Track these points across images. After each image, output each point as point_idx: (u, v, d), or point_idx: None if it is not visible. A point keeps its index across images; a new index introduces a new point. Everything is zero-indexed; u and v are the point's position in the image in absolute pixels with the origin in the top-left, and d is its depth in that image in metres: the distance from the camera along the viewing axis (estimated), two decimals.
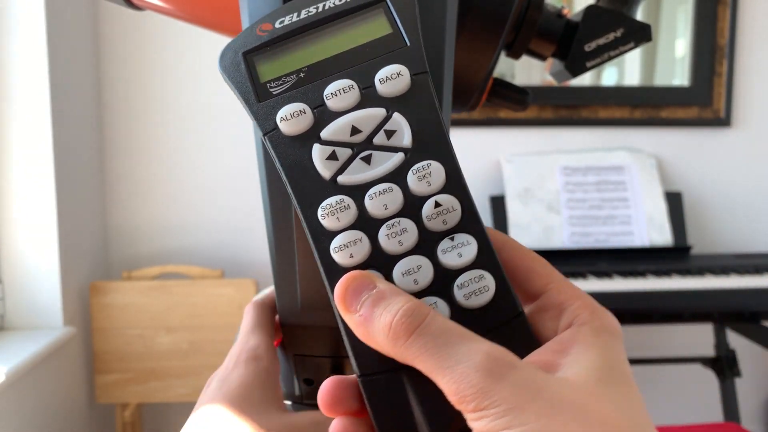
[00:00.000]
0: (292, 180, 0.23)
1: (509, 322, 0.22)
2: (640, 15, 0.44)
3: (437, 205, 0.22)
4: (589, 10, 0.42)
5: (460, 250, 0.22)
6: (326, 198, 0.22)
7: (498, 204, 1.69)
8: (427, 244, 0.22)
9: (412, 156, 0.22)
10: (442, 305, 0.21)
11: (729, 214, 1.85)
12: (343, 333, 0.22)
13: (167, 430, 1.82)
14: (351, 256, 0.22)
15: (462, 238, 0.22)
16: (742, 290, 1.45)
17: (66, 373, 1.50)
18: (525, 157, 1.73)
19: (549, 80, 1.81)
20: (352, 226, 0.22)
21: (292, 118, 0.23)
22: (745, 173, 1.85)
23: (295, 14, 0.25)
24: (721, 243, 1.85)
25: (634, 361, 1.74)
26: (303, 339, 0.34)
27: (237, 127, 1.72)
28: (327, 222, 0.22)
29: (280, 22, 0.25)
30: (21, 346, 1.33)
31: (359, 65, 0.24)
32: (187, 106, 1.72)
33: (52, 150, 1.41)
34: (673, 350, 1.84)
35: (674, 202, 1.71)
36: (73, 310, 1.51)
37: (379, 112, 0.23)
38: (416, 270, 0.21)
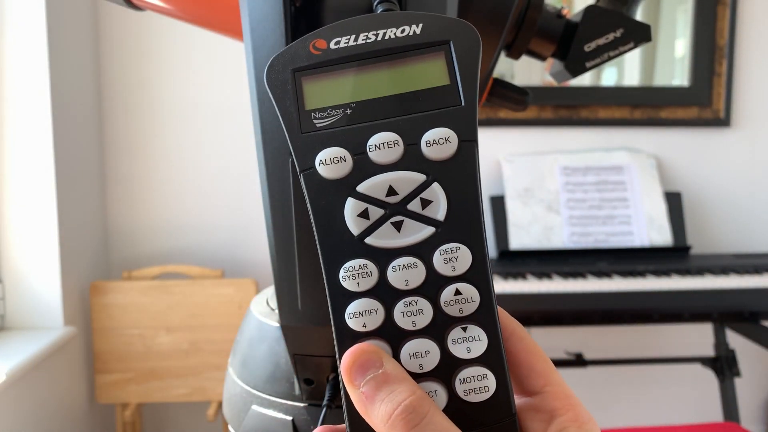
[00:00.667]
0: (321, 228, 0.22)
1: (501, 422, 0.22)
2: (639, 15, 0.44)
3: (457, 292, 0.22)
4: (588, 10, 0.42)
5: (469, 345, 0.22)
6: (350, 259, 0.22)
7: (498, 204, 1.69)
8: (438, 327, 0.22)
9: (443, 232, 0.22)
10: (441, 395, 0.22)
11: (728, 214, 1.85)
12: (342, 395, 0.22)
13: (167, 430, 1.82)
14: (364, 325, 0.22)
15: (474, 331, 0.22)
16: (742, 290, 1.45)
17: (66, 373, 1.50)
18: (525, 157, 1.73)
19: (549, 80, 1.81)
20: (370, 293, 0.22)
21: (331, 163, 0.22)
22: (744, 173, 1.85)
23: (353, 37, 0.23)
24: (720, 243, 1.85)
25: (634, 361, 1.74)
26: (303, 339, 0.34)
27: (237, 128, 1.72)
28: (347, 284, 0.22)
29: (336, 43, 0.23)
30: (21, 346, 1.33)
31: (408, 117, 0.23)
32: (187, 106, 1.72)
33: (52, 150, 1.41)
34: (672, 350, 1.84)
35: (674, 202, 1.71)
36: (73, 310, 1.51)
37: (419, 177, 0.22)
38: (423, 355, 0.22)
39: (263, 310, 0.40)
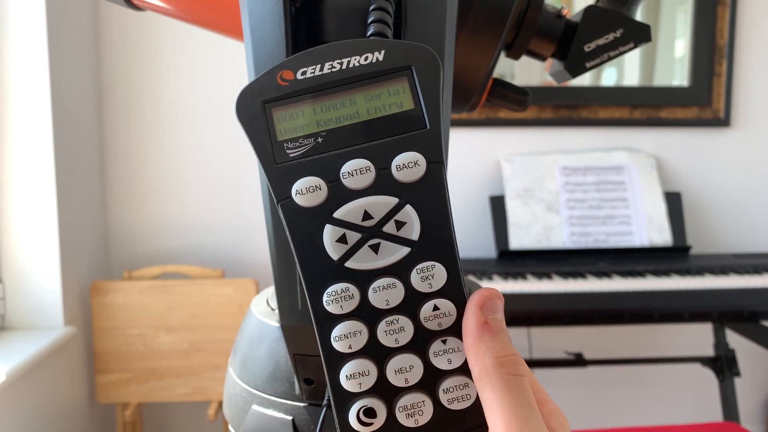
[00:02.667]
0: (301, 255, 0.23)
1: (483, 425, 0.23)
2: (639, 15, 0.44)
3: (435, 308, 0.23)
4: (588, 10, 0.42)
5: (450, 356, 0.23)
6: (333, 283, 0.23)
7: (498, 204, 1.69)
8: (420, 342, 0.23)
9: (418, 252, 0.23)
10: (428, 404, 0.23)
11: (728, 214, 1.85)
12: (335, 416, 0.23)
13: (167, 430, 1.82)
14: (350, 347, 0.23)
15: (453, 343, 0.23)
16: (742, 290, 1.45)
17: (66, 373, 1.50)
18: (525, 157, 1.73)
19: (549, 80, 1.81)
20: (353, 315, 0.23)
21: (307, 192, 0.23)
22: (744, 173, 1.85)
23: (318, 67, 0.24)
24: (720, 243, 1.85)
25: (634, 361, 1.74)
26: (303, 339, 0.34)
27: (237, 128, 1.72)
28: (331, 308, 0.23)
29: (302, 73, 0.24)
30: (21, 346, 1.33)
31: (378, 142, 0.24)
32: (187, 106, 1.72)
33: (52, 150, 1.41)
34: (672, 350, 1.84)
35: (673, 202, 1.71)
36: (73, 310, 1.51)
37: (392, 200, 0.23)
38: (408, 369, 0.23)
39: (263, 310, 0.40)
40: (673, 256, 1.64)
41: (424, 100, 0.24)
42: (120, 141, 1.72)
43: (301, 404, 0.36)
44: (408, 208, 0.23)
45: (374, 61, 0.24)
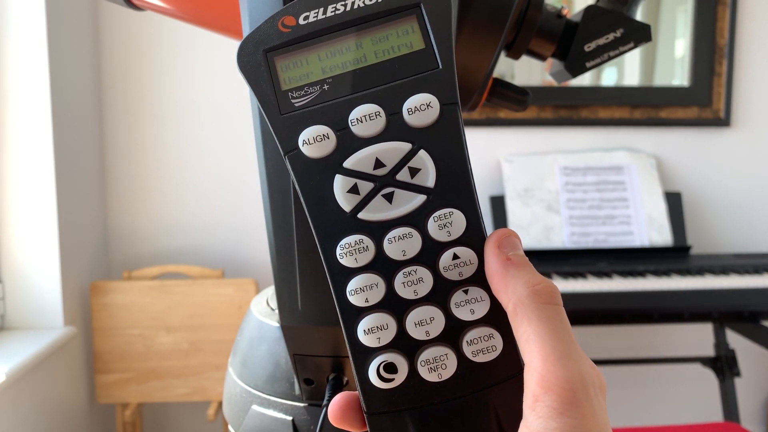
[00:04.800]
0: (312, 208, 0.22)
1: (511, 377, 0.22)
2: (639, 15, 0.44)
3: (455, 257, 0.22)
4: (588, 10, 0.42)
5: (473, 306, 0.22)
6: (346, 236, 0.22)
7: (498, 204, 1.69)
8: (440, 293, 0.22)
9: (435, 199, 0.22)
10: (452, 358, 0.22)
11: (728, 214, 1.85)
12: (354, 374, 0.22)
13: (167, 430, 1.82)
14: (366, 300, 0.22)
15: (476, 293, 0.22)
16: (742, 290, 1.45)
17: (66, 373, 1.50)
18: (525, 157, 1.73)
19: (549, 80, 1.81)
20: (369, 268, 0.22)
21: (315, 142, 0.22)
22: (744, 173, 1.85)
23: (321, 10, 0.23)
24: (720, 243, 1.85)
25: (634, 361, 1.74)
26: (303, 339, 0.34)
27: (237, 128, 1.72)
28: (345, 261, 0.22)
29: (305, 18, 0.23)
30: (21, 346, 1.33)
31: (387, 86, 0.22)
32: (187, 106, 1.72)
33: (52, 150, 1.41)
34: (672, 350, 1.84)
35: (674, 202, 1.71)
36: (73, 310, 1.51)
37: (405, 146, 0.22)
38: (429, 322, 0.22)
39: (263, 310, 0.40)
40: (673, 256, 1.64)
41: (435, 39, 0.23)
42: (120, 141, 1.72)
43: (301, 404, 0.35)
44: (422, 153, 0.22)
45: (380, 0, 0.23)
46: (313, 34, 0.23)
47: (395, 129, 0.22)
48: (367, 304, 0.22)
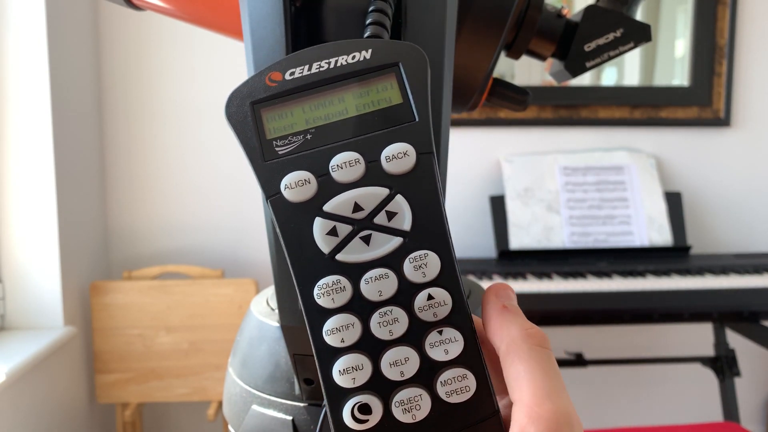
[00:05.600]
0: (292, 250, 0.23)
1: (485, 419, 0.22)
2: (639, 15, 0.44)
3: (430, 297, 0.23)
4: (588, 10, 0.42)
5: (447, 347, 0.22)
6: (323, 276, 0.23)
7: (498, 204, 1.69)
8: (415, 334, 0.23)
9: (411, 242, 0.23)
10: (425, 399, 0.22)
11: (728, 214, 1.85)
12: (329, 416, 0.22)
13: (167, 430, 1.82)
14: (342, 340, 0.22)
15: (450, 333, 0.23)
16: (742, 290, 1.45)
17: (66, 373, 1.50)
18: (525, 157, 1.73)
19: (549, 80, 1.81)
20: (345, 308, 0.22)
21: (296, 186, 0.23)
22: (744, 173, 1.85)
23: (306, 67, 0.24)
24: (720, 243, 1.85)
25: (634, 361, 1.74)
26: (303, 339, 0.34)
27: None
28: (322, 301, 0.22)
29: (291, 74, 0.24)
30: (21, 346, 1.33)
31: (366, 136, 0.24)
32: (187, 106, 1.72)
33: (52, 150, 1.41)
34: (672, 350, 1.84)
35: (674, 202, 1.71)
36: (73, 310, 1.51)
37: (382, 192, 0.23)
38: (404, 362, 0.22)
39: (263, 310, 0.40)
40: (673, 256, 1.64)
41: (412, 94, 0.24)
42: (120, 141, 1.72)
43: (301, 404, 0.36)
44: (399, 198, 0.23)
45: (361, 59, 0.24)
46: (299, 88, 0.24)
47: (374, 175, 0.23)
48: (342, 345, 0.22)
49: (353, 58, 0.24)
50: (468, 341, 0.23)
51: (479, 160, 1.78)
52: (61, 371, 1.48)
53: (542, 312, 1.42)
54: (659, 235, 1.65)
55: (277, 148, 0.24)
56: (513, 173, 1.70)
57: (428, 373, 0.22)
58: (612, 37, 0.42)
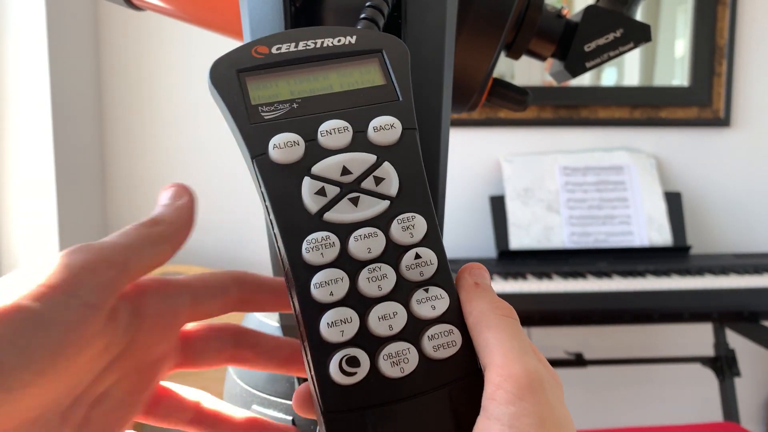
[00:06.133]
0: (278, 209, 0.23)
1: (468, 377, 0.23)
2: (639, 15, 0.44)
3: (417, 256, 0.23)
4: (588, 10, 0.42)
5: (433, 303, 0.23)
6: (312, 232, 0.23)
7: (498, 204, 1.69)
8: (402, 291, 0.23)
9: (397, 205, 0.24)
10: (413, 353, 0.22)
11: (728, 214, 1.85)
12: (309, 368, 0.22)
13: (168, 430, 1.82)
14: (331, 294, 0.22)
15: (436, 291, 0.23)
16: (742, 290, 1.45)
17: None
18: (525, 157, 1.73)
19: (549, 80, 1.81)
20: (334, 264, 0.23)
21: (285, 147, 0.23)
22: (744, 173, 1.85)
23: (293, 44, 0.25)
24: (720, 243, 1.85)
25: (634, 361, 1.74)
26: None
27: None
28: (310, 256, 0.22)
29: (277, 48, 0.25)
30: None
31: (353, 109, 0.24)
32: (187, 106, 1.72)
33: (52, 150, 1.41)
34: (672, 350, 1.84)
35: (674, 202, 1.71)
36: None
37: (370, 158, 0.24)
38: (392, 316, 0.22)
39: None
40: (673, 256, 1.64)
41: (395, 77, 0.25)
42: (120, 141, 1.72)
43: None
44: (386, 164, 0.24)
45: (347, 43, 0.25)
46: (284, 62, 0.25)
47: (361, 143, 0.24)
48: (331, 298, 0.22)
49: (339, 41, 0.25)
50: (452, 300, 0.23)
51: (479, 160, 1.78)
52: None
53: (542, 312, 1.42)
54: (659, 235, 1.65)
55: (263, 113, 0.24)
56: (513, 173, 1.70)
57: (415, 330, 0.23)
58: (612, 38, 0.42)
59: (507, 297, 1.34)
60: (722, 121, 1.81)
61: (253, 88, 0.24)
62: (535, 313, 1.41)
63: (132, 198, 1.74)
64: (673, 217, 1.69)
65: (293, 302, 0.23)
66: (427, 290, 0.23)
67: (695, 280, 1.47)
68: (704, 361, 1.69)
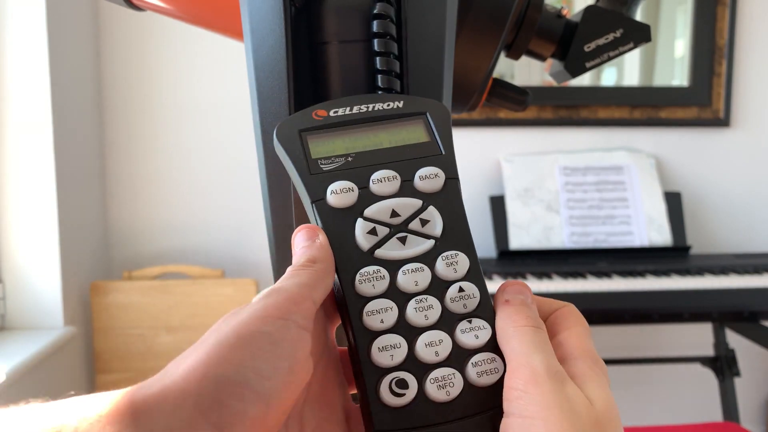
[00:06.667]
0: (335, 248, 0.25)
1: None
2: (639, 15, 0.44)
3: (461, 290, 0.25)
4: (588, 10, 0.42)
5: (477, 333, 0.25)
6: (364, 266, 0.25)
7: (498, 204, 1.69)
8: (447, 322, 0.25)
9: (442, 244, 0.26)
10: (458, 379, 0.24)
11: (728, 214, 1.85)
12: (361, 389, 0.24)
13: None
14: (381, 321, 0.24)
15: (479, 323, 0.25)
16: (742, 290, 1.45)
17: (67, 373, 1.50)
18: (525, 157, 1.73)
19: (549, 80, 1.81)
20: (384, 295, 0.25)
21: (341, 192, 0.26)
22: (744, 173, 1.85)
23: (348, 108, 0.28)
24: (720, 243, 1.85)
25: (634, 361, 1.74)
26: None
27: (237, 127, 1.72)
28: (363, 287, 0.25)
29: (335, 112, 0.28)
30: (22, 346, 1.33)
31: (401, 161, 0.27)
32: (187, 106, 1.72)
33: (52, 150, 1.41)
34: (672, 350, 1.84)
35: (673, 202, 1.71)
36: (73, 310, 1.51)
37: (417, 202, 0.27)
38: (438, 343, 0.24)
39: None
40: (673, 256, 1.64)
41: (438, 134, 0.28)
42: (120, 141, 1.72)
43: None
44: (431, 208, 0.27)
45: (395, 107, 0.29)
46: (340, 123, 0.28)
47: (408, 190, 0.27)
48: (381, 326, 0.24)
49: (389, 105, 0.29)
50: (493, 332, 0.25)
51: (479, 160, 1.78)
52: (62, 371, 1.48)
53: None
54: (659, 235, 1.65)
55: (321, 165, 0.27)
56: (513, 173, 1.70)
57: (459, 356, 0.25)
58: (612, 38, 0.42)
59: None
60: (722, 121, 1.81)
61: (314, 144, 0.27)
62: None
63: (132, 198, 1.74)
64: (673, 217, 1.69)
65: (347, 329, 0.25)
66: (470, 321, 0.25)
67: (695, 280, 1.47)
68: (704, 361, 1.69)
